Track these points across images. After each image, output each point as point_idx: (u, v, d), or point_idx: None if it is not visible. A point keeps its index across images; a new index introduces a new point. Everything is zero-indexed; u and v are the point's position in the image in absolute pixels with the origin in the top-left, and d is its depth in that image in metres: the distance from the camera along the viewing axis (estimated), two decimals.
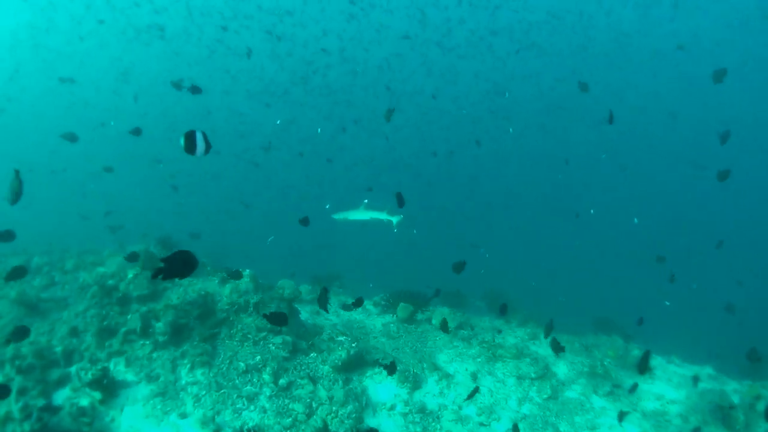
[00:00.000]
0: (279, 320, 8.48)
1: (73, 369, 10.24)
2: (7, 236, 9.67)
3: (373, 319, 15.63)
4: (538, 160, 43.77)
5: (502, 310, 12.26)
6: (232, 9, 41.69)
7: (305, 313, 14.47)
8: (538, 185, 41.95)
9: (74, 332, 11.19)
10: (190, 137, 5.51)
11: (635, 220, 31.03)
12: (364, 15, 38.39)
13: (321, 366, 11.45)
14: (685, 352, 16.03)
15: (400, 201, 10.30)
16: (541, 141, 45.34)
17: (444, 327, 11.22)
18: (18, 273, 9.60)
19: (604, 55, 43.81)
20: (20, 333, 8.76)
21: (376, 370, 11.97)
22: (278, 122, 37.15)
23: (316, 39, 40.70)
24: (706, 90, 43.79)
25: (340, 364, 11.43)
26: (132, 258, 12.06)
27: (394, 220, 15.95)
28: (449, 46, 40.01)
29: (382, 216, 16.01)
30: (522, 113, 42.17)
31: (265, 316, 8.54)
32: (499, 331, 15.38)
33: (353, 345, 12.03)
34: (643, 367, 7.22)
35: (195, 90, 13.55)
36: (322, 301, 7.58)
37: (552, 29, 40.34)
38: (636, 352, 14.98)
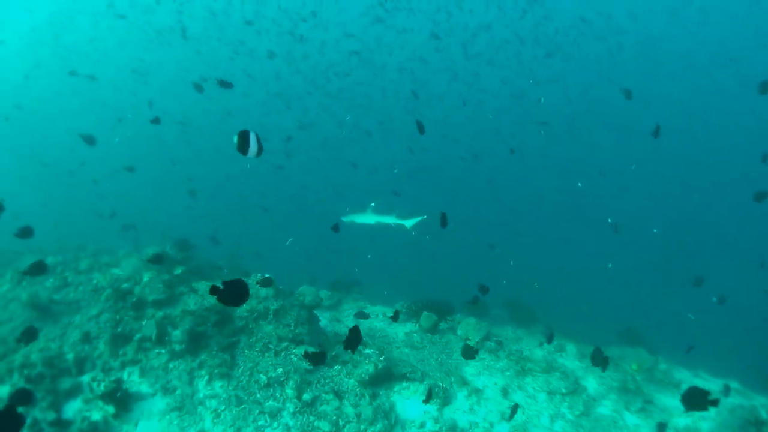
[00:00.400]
0: (319, 360, 8.28)
1: (85, 378, 9.71)
2: (27, 232, 9.48)
3: (395, 328, 15.06)
4: (564, 165, 43.08)
5: (549, 340, 12.67)
6: (253, 10, 41.41)
7: (324, 320, 14.03)
8: (561, 192, 41.22)
9: (86, 338, 10.67)
10: (243, 137, 5.21)
11: (654, 230, 30.60)
12: (389, 16, 37.88)
13: (346, 379, 10.85)
14: (712, 366, 15.55)
15: (444, 221, 9.85)
16: (567, 148, 44.67)
17: (468, 354, 10.63)
18: (37, 269, 9.16)
19: (633, 59, 43.12)
20: (28, 334, 8.45)
21: (404, 384, 11.38)
22: (300, 123, 36.84)
23: (336, 42, 40.33)
24: (732, 96, 43.16)
25: (367, 378, 10.82)
26: (155, 260, 11.53)
27: (408, 223, 15.48)
28: (473, 52, 39.42)
29: (390, 220, 15.57)
30: (549, 119, 41.53)
31: (306, 355, 8.32)
32: (541, 344, 14.81)
33: (381, 359, 11.41)
34: (703, 406, 6.56)
35: (225, 84, 13.15)
36: (352, 344, 6.84)
37: (579, 33, 39.69)
38: (663, 366, 14.45)
